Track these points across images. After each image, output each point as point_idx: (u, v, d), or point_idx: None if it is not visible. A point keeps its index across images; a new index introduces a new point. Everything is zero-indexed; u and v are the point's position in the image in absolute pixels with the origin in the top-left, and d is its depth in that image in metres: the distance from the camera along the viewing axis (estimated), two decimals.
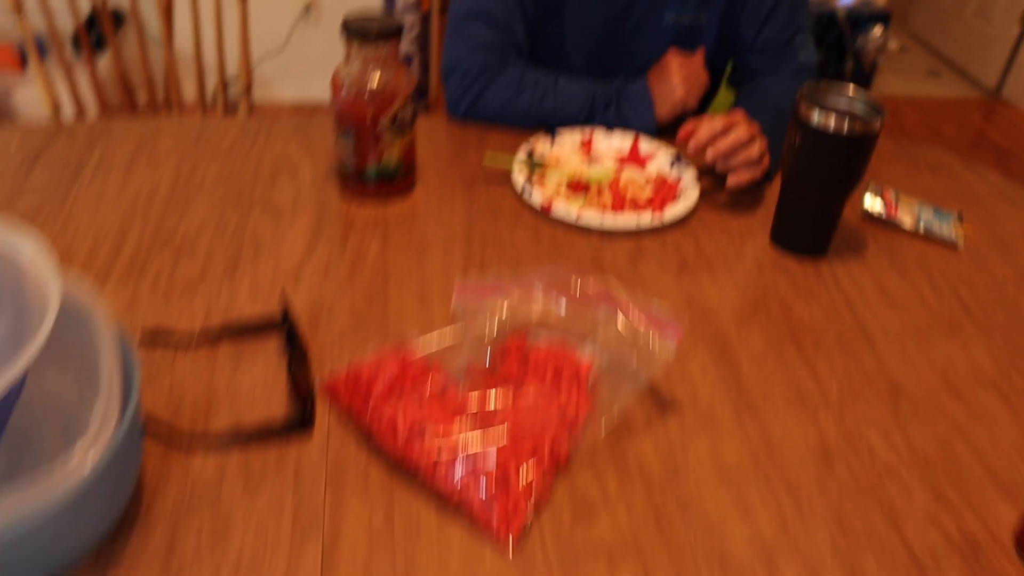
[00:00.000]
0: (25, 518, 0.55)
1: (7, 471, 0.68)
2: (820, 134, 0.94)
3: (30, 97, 2.51)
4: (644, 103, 1.22)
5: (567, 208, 1.06)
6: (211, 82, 2.34)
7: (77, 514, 0.59)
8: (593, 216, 1.05)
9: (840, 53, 2.90)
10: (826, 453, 0.77)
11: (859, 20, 2.87)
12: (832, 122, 0.93)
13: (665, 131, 1.24)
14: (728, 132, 1.07)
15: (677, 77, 1.20)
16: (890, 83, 3.59)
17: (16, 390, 0.61)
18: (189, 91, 2.46)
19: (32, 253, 0.65)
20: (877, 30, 2.89)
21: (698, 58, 1.24)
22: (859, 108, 0.98)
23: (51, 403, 0.73)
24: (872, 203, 1.12)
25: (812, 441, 0.78)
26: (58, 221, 1.01)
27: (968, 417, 0.82)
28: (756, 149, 1.08)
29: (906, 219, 1.10)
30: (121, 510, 0.66)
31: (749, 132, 1.07)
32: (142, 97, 1.92)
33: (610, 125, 1.23)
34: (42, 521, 0.56)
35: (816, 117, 0.94)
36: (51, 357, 0.72)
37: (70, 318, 0.67)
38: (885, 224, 1.11)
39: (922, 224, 1.10)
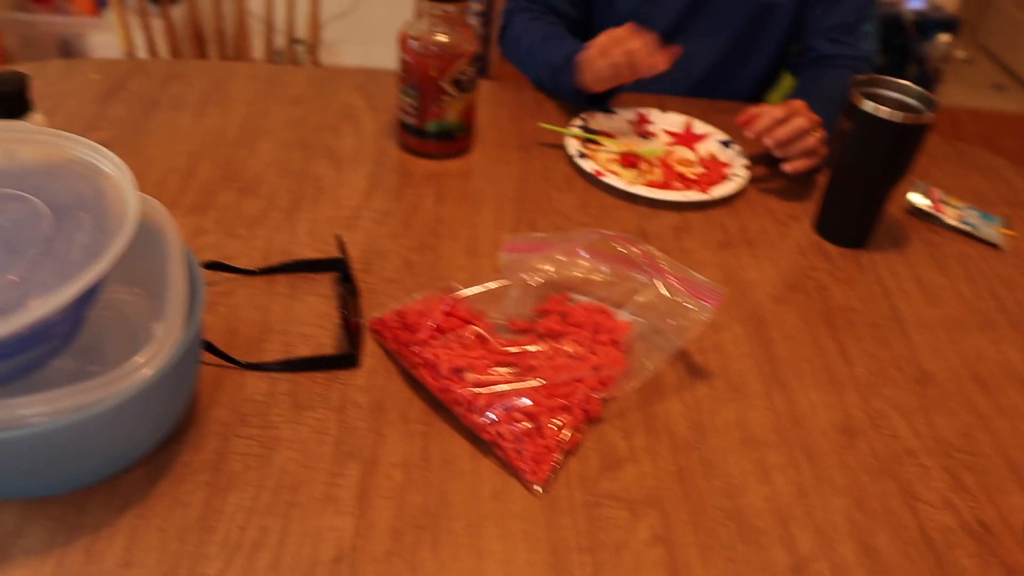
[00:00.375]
0: (90, 413, 0.59)
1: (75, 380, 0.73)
2: (870, 121, 0.95)
3: (103, 42, 2.58)
4: (575, 69, 1.21)
5: (612, 178, 1.09)
6: (279, 41, 2.39)
7: (137, 415, 0.64)
8: (642, 187, 1.07)
9: (903, 58, 2.86)
10: (849, 431, 0.80)
11: (926, 26, 2.84)
12: (883, 110, 0.95)
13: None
14: (788, 121, 1.09)
15: (598, 40, 1.16)
16: (952, 93, 3.53)
17: (92, 293, 0.65)
18: (257, 48, 2.51)
19: (113, 172, 0.69)
20: (943, 38, 2.85)
21: (634, 38, 1.13)
22: (911, 100, 0.99)
23: (120, 319, 0.78)
24: (918, 199, 1.13)
25: (837, 418, 0.81)
26: (131, 153, 1.06)
27: (993, 410, 0.84)
28: (814, 139, 1.09)
29: (951, 218, 1.11)
30: (176, 419, 0.71)
31: (809, 122, 1.08)
32: (212, 51, 1.98)
33: (553, 84, 1.26)
34: (105, 418, 0.60)
35: (868, 105, 0.95)
36: (123, 275, 0.77)
37: (144, 239, 0.72)
38: (929, 221, 1.13)
39: (966, 224, 1.11)
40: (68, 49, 2.62)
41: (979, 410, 0.84)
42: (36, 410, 0.58)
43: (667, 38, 1.34)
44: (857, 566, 0.68)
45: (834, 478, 0.75)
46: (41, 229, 0.65)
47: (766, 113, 1.10)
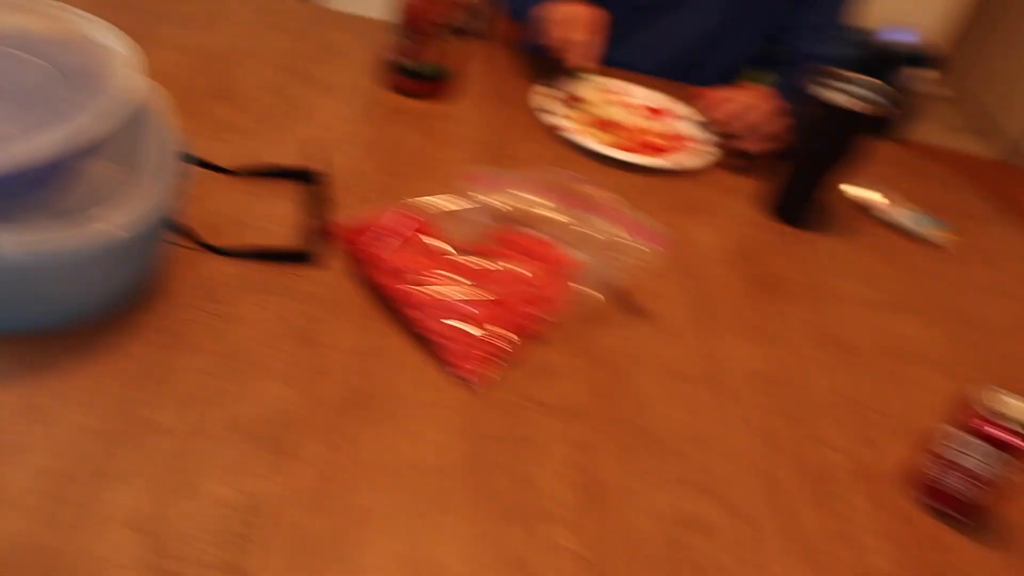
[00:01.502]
0: (55, 257, 0.64)
1: None
2: (819, 105, 1.03)
3: None
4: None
5: (585, 138, 1.15)
6: None
7: (96, 266, 0.68)
8: (611, 148, 1.14)
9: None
10: (769, 379, 0.86)
11: (912, 60, 2.92)
12: (837, 97, 1.02)
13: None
14: (752, 107, 1.16)
15: (560, 10, 1.22)
16: (928, 132, 3.63)
17: (78, 153, 0.69)
18: None
19: (124, 52, 0.74)
20: (928, 74, 2.94)
21: (582, 29, 1.22)
22: (871, 94, 1.06)
23: (107, 192, 0.82)
24: (866, 194, 1.21)
25: (760, 367, 0.87)
26: None
27: (900, 377, 0.91)
28: (759, 118, 1.16)
29: (898, 216, 1.19)
30: (140, 282, 0.76)
31: (754, 101, 1.16)
32: None
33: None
34: (70, 263, 0.65)
35: (816, 90, 1.02)
36: (117, 154, 0.82)
37: (143, 122, 0.76)
38: (878, 218, 1.19)
39: (911, 223, 1.18)
40: None
41: (889, 375, 0.91)
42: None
43: (658, 6, 1.40)
44: (760, 491, 0.74)
45: (750, 416, 0.81)
46: (51, 93, 0.69)
47: (735, 99, 1.17)
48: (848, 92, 1.05)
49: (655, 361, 0.84)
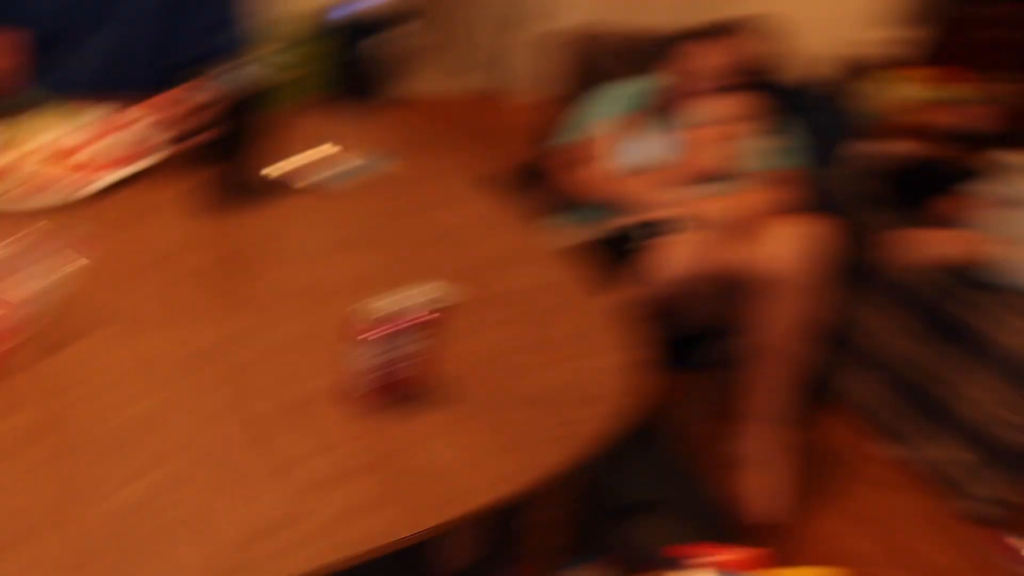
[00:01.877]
0: None
1: None
2: (226, 93, 1.17)
3: None
4: None
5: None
6: None
7: None
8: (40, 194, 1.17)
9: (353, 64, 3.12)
10: (207, 355, 0.96)
11: (376, 26, 3.12)
12: (236, 81, 1.14)
13: None
14: (179, 101, 1.28)
15: None
16: (429, 80, 3.94)
17: None
18: None
19: None
20: (404, 30, 3.19)
21: None
22: (271, 70, 1.20)
23: None
24: (311, 156, 1.36)
25: (201, 346, 0.97)
26: None
27: (332, 309, 0.98)
28: (202, 114, 1.26)
29: (345, 165, 1.36)
30: None
31: (197, 100, 1.26)
32: None
33: None
34: None
35: (225, 79, 1.14)
36: None
37: None
38: (317, 177, 1.35)
39: (359, 167, 1.37)
40: None
41: (323, 313, 0.99)
42: None
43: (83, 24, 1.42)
44: (221, 444, 0.85)
45: (199, 387, 0.92)
46: None
47: (181, 100, 1.28)
48: (244, 74, 1.17)
49: (111, 366, 0.93)
